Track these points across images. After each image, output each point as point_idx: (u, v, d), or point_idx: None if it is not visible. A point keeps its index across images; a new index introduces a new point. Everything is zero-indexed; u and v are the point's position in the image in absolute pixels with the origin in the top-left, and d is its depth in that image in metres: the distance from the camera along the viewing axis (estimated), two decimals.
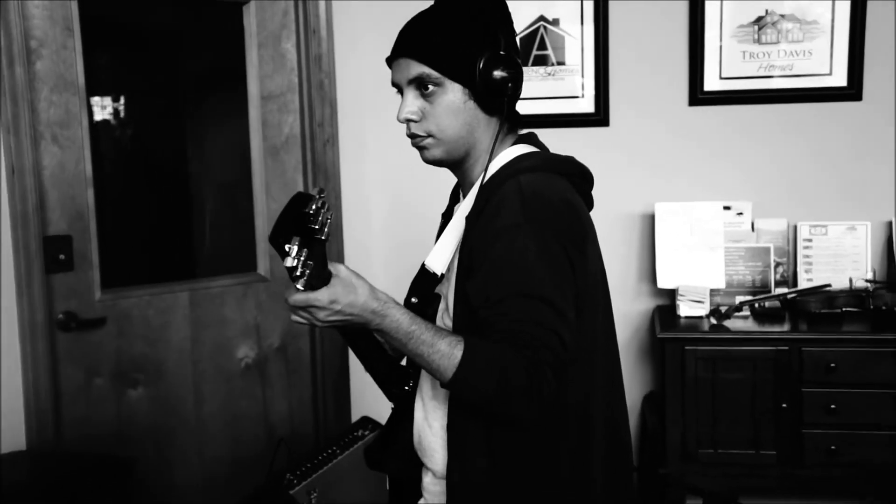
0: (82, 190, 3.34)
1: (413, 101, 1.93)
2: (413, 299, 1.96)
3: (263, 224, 3.74)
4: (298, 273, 1.63)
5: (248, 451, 3.68)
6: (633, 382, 3.93)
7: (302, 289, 1.67)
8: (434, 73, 1.88)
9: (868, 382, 3.37)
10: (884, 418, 3.38)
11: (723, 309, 3.55)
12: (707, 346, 3.48)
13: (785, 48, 3.80)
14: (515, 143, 2.03)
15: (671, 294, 3.77)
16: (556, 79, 3.94)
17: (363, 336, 1.90)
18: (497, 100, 1.90)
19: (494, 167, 1.93)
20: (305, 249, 1.65)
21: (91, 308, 3.33)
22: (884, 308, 3.48)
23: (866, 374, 3.37)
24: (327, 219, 1.67)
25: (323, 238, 1.66)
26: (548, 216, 1.82)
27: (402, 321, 1.76)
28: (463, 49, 1.87)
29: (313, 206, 1.64)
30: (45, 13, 3.22)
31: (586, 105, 3.93)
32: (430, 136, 1.95)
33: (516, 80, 1.91)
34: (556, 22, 3.89)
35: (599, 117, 3.92)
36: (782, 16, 3.76)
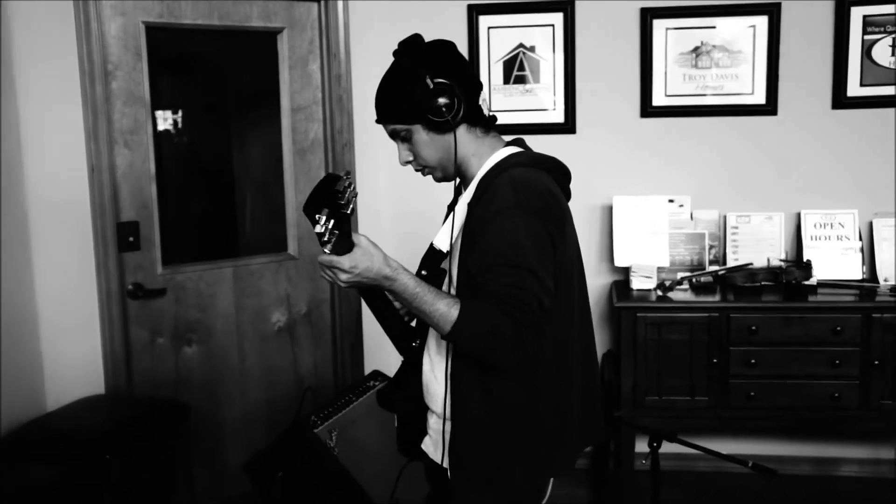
0: (147, 185, 3.53)
1: (401, 150, 2.10)
2: (423, 272, 2.07)
3: (293, 212, 3.91)
4: (326, 239, 1.72)
5: (280, 397, 3.86)
6: (596, 342, 4.13)
7: (328, 252, 1.78)
8: (399, 126, 2.05)
9: (781, 342, 3.60)
10: (792, 370, 3.61)
11: (667, 283, 3.77)
12: (654, 313, 3.69)
13: (716, 72, 3.98)
14: (507, 145, 2.14)
15: (626, 271, 3.95)
16: (532, 94, 4.09)
17: (380, 298, 1.98)
18: (444, 121, 1.98)
19: (490, 163, 2.04)
20: (333, 220, 1.73)
21: (154, 280, 3.54)
22: (793, 282, 3.67)
23: (780, 335, 3.60)
24: (353, 196, 1.77)
25: (348, 212, 1.76)
26: (534, 202, 1.93)
27: (409, 284, 1.88)
28: (407, 100, 2.00)
29: (342, 185, 1.75)
30: (119, 42, 3.39)
31: (557, 116, 4.10)
32: (425, 167, 2.10)
33: (452, 102, 1.98)
34: (532, 48, 4.04)
35: (568, 126, 4.10)
36: (714, 46, 3.94)
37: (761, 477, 3.05)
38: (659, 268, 3.89)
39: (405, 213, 4.04)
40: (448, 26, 4.00)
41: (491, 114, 2.14)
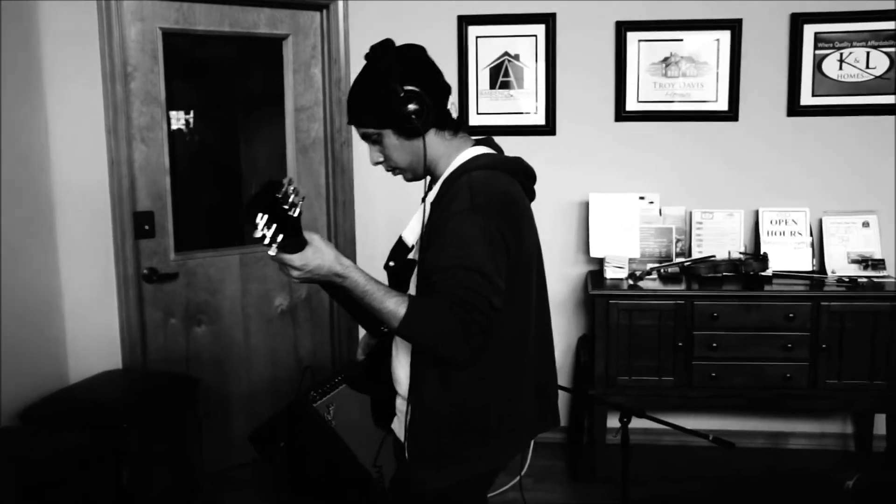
0: (162, 177, 3.69)
1: (372, 151, 2.10)
2: (391, 263, 2.10)
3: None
4: (267, 242, 1.72)
5: (282, 375, 4.03)
6: (571, 327, 4.28)
7: (274, 253, 1.78)
8: (369, 130, 2.05)
9: (740, 327, 3.74)
10: (750, 353, 3.76)
11: (637, 273, 3.91)
12: (626, 300, 3.81)
13: (683, 81, 4.14)
14: (476, 145, 2.14)
15: (600, 261, 4.07)
16: (516, 99, 4.22)
17: (343, 292, 1.93)
18: (413, 127, 2.00)
19: (455, 164, 2.05)
20: (275, 224, 1.72)
21: (167, 265, 3.71)
22: (751, 273, 3.84)
23: (739, 321, 3.74)
24: (299, 200, 1.76)
25: (295, 215, 1.75)
26: (489, 205, 1.92)
27: (360, 282, 1.88)
28: (379, 106, 2.00)
29: (282, 191, 1.74)
30: (138, 45, 3.56)
31: (539, 119, 4.23)
32: (395, 168, 2.11)
33: (422, 107, 1.99)
34: (517, 57, 4.18)
35: (548, 128, 4.23)
36: (682, 57, 4.09)
37: (721, 449, 3.11)
38: (630, 259, 4.00)
39: (399, 207, 4.01)
40: (440, 35, 4.14)
41: (459, 116, 2.15)
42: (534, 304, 2.12)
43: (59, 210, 3.47)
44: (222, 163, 4.46)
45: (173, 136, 3.87)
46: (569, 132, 4.25)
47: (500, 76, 4.20)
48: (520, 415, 2.10)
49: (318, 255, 1.83)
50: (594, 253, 4.06)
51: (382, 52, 2.06)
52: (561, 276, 4.26)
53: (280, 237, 1.73)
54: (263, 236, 1.72)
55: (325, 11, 3.99)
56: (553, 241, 4.20)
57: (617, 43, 4.13)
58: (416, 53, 2.08)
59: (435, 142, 2.06)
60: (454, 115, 2.09)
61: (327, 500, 3.20)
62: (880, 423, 4.02)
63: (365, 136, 2.08)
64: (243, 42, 3.99)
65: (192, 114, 4.13)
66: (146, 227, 3.64)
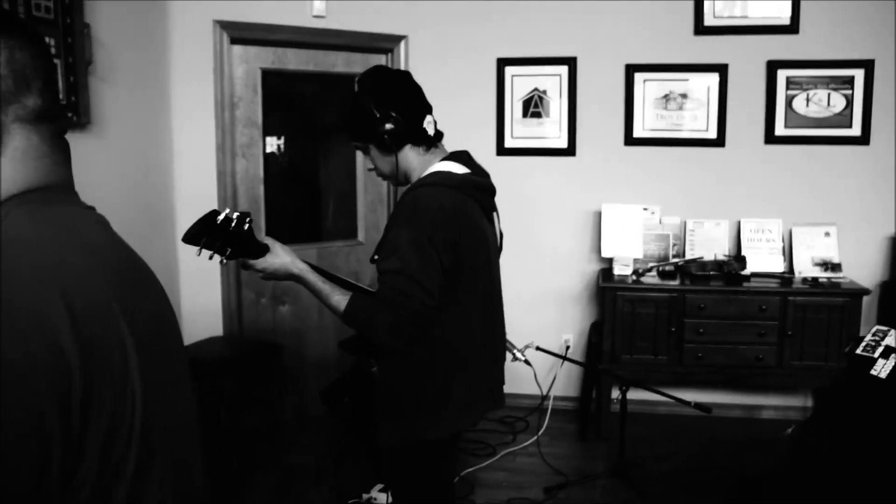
0: (257, 186, 4.23)
1: (365, 160, 2.28)
2: (376, 256, 2.13)
3: (362, 209, 4.55)
4: (219, 259, 1.98)
5: None
6: (585, 314, 4.68)
7: (224, 262, 2.01)
8: (357, 143, 2.21)
9: (723, 316, 4.08)
10: (730, 338, 4.08)
11: (640, 270, 4.27)
12: (630, 292, 4.14)
13: (681, 113, 4.46)
14: (447, 159, 2.20)
15: (610, 261, 4.42)
16: (543, 126, 4.55)
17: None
18: (390, 145, 2.11)
19: (415, 177, 2.17)
20: (217, 242, 1.93)
21: None
22: (733, 272, 4.19)
23: (722, 311, 4.08)
24: (244, 219, 1.97)
25: (245, 228, 1.96)
26: (423, 219, 2.01)
27: (311, 281, 2.08)
28: (361, 125, 2.13)
29: (221, 216, 1.94)
30: (241, 80, 4.15)
31: (562, 143, 4.56)
32: (382, 175, 2.26)
33: (396, 127, 2.10)
34: (545, 92, 4.55)
35: (570, 150, 4.56)
36: (679, 94, 4.45)
37: (704, 417, 3.41)
38: (634, 259, 4.33)
39: None
40: (482, 73, 4.58)
41: (437, 131, 2.22)
42: (480, 300, 2.19)
43: (178, 210, 4.06)
44: (304, 176, 4.85)
45: (267, 157, 4.33)
46: (586, 154, 4.59)
47: (531, 107, 4.57)
48: (466, 394, 2.17)
49: (276, 258, 2.08)
50: (605, 253, 4.41)
51: (367, 78, 2.18)
52: (578, 273, 4.69)
53: (228, 250, 1.96)
54: (211, 254, 1.95)
55: (390, 54, 4.52)
56: (571, 244, 4.65)
57: (626, 81, 4.49)
58: (397, 79, 2.20)
59: (410, 156, 2.17)
60: (430, 132, 2.19)
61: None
62: None
63: (356, 148, 2.26)
64: (324, 79, 4.46)
65: (283, 139, 4.53)
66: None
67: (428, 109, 2.21)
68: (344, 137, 2.26)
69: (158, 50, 3.96)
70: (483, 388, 2.25)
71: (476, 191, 2.18)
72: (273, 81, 4.35)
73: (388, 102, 2.12)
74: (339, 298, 2.04)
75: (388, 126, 2.10)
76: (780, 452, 3.93)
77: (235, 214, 1.97)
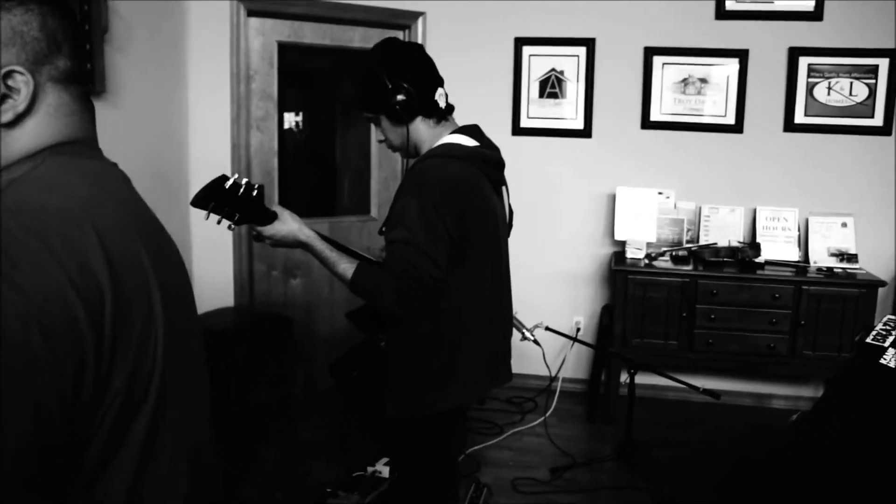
0: (271, 159, 4.24)
1: (376, 131, 2.26)
2: (383, 228, 2.11)
3: (376, 185, 4.55)
4: (225, 221, 1.99)
5: None
6: (597, 297, 4.67)
7: (233, 228, 2.06)
8: (368, 114, 2.20)
9: (735, 303, 4.05)
10: (741, 325, 4.06)
11: (653, 254, 4.27)
12: (642, 276, 4.13)
13: (699, 98, 4.43)
14: (457, 132, 2.19)
15: (622, 244, 4.43)
16: (560, 107, 4.54)
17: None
18: (401, 116, 2.11)
19: (425, 150, 2.17)
20: (226, 207, 1.93)
21: None
22: (747, 259, 4.15)
23: (734, 298, 4.05)
24: (251, 186, 1.97)
25: (254, 195, 1.97)
26: (430, 189, 2.00)
27: (318, 249, 2.09)
28: (373, 95, 2.13)
29: (230, 182, 1.94)
30: (257, 53, 4.15)
31: (578, 124, 4.55)
32: (392, 147, 2.25)
33: (407, 98, 2.10)
34: (562, 73, 4.54)
35: (586, 132, 4.54)
36: (698, 79, 4.42)
37: (713, 404, 3.37)
38: (648, 243, 4.33)
39: None
40: (499, 53, 4.56)
41: (448, 104, 2.22)
42: (487, 273, 2.18)
43: (192, 180, 4.06)
44: (321, 153, 4.87)
45: (284, 133, 4.34)
46: (602, 136, 4.58)
47: (548, 88, 4.57)
48: (472, 368, 2.17)
49: (284, 225, 2.09)
50: (618, 236, 4.39)
51: (380, 49, 2.19)
52: (590, 256, 4.68)
53: (237, 215, 1.98)
54: (220, 218, 1.96)
55: (407, 30, 4.52)
56: (585, 226, 4.63)
57: (645, 65, 4.48)
58: (409, 50, 2.20)
59: (420, 128, 2.17)
60: (442, 105, 2.19)
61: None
62: None
63: (367, 119, 2.24)
64: (340, 54, 4.47)
65: (300, 115, 4.55)
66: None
67: (440, 82, 2.21)
68: (360, 108, 2.24)
69: (175, 21, 3.96)
70: (490, 362, 2.25)
71: (485, 164, 2.18)
72: (290, 56, 4.34)
73: (400, 73, 2.11)
74: (346, 266, 2.05)
75: (400, 97, 2.10)
76: (783, 439, 3.99)
77: (244, 180, 1.98)
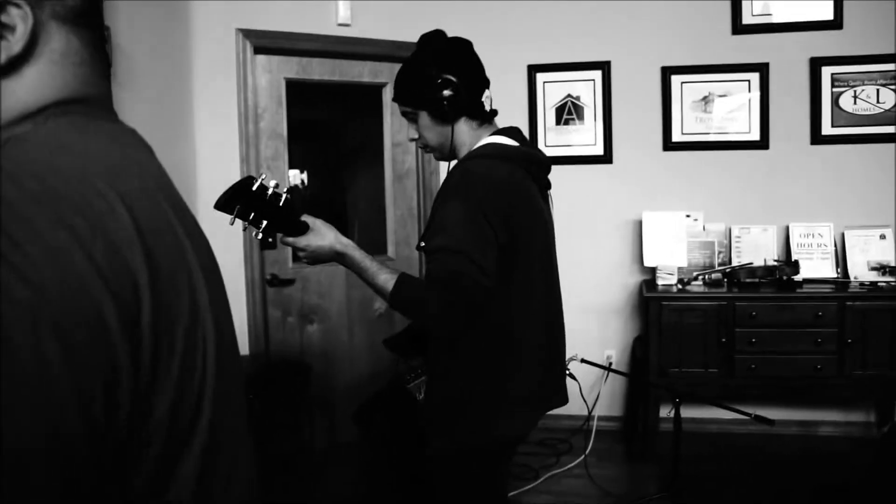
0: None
1: (410, 128, 2.13)
2: (422, 244, 2.00)
3: (392, 224, 4.42)
4: (252, 229, 1.85)
5: (380, 368, 4.33)
6: (628, 328, 4.52)
7: (260, 237, 1.87)
8: (408, 109, 2.08)
9: (776, 324, 3.92)
10: (784, 347, 3.93)
11: (685, 279, 4.17)
12: (675, 302, 4.02)
13: (720, 116, 4.37)
14: (497, 133, 2.10)
15: (652, 271, 4.31)
16: (578, 133, 4.46)
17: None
18: (444, 112, 2.01)
19: (464, 153, 2.07)
20: (252, 214, 1.80)
21: (286, 272, 4.10)
22: (784, 278, 4.06)
23: (774, 319, 3.93)
24: (280, 192, 1.83)
25: (280, 204, 1.82)
26: (476, 192, 1.88)
27: (357, 259, 1.94)
28: (418, 88, 2.03)
29: (257, 183, 1.81)
30: (266, 91, 4.06)
31: (598, 150, 4.46)
32: (426, 146, 2.13)
33: (455, 95, 2.00)
34: (578, 98, 4.47)
35: (606, 157, 4.46)
36: (718, 96, 4.35)
37: (759, 434, 3.19)
38: (679, 268, 4.23)
39: None
40: (513, 80, 4.49)
41: (493, 108, 2.13)
42: (539, 285, 2.06)
43: (201, 220, 3.76)
44: (332, 189, 4.83)
45: (291, 189, 4.23)
46: (624, 160, 4.50)
47: (564, 115, 4.50)
48: (523, 394, 2.02)
49: (319, 237, 1.93)
50: (647, 263, 4.26)
51: (429, 41, 2.09)
52: (619, 285, 4.53)
53: (264, 222, 1.82)
54: (245, 224, 1.82)
55: None
56: (611, 254, 4.50)
57: (663, 84, 4.41)
58: (460, 46, 2.10)
59: (463, 129, 2.07)
60: (487, 108, 2.10)
61: (416, 470, 3.43)
62: None
63: (404, 114, 2.13)
64: (350, 89, 4.38)
65: (305, 173, 4.48)
66: (269, 240, 4.00)
67: (486, 83, 2.11)
68: (399, 100, 2.11)
69: (180, 59, 3.86)
70: (543, 384, 2.08)
71: (531, 164, 2.07)
72: (297, 91, 4.24)
73: (450, 68, 2.01)
74: (387, 277, 1.90)
75: (447, 92, 1.99)
76: (868, 457, 3.74)
77: (273, 182, 1.84)
